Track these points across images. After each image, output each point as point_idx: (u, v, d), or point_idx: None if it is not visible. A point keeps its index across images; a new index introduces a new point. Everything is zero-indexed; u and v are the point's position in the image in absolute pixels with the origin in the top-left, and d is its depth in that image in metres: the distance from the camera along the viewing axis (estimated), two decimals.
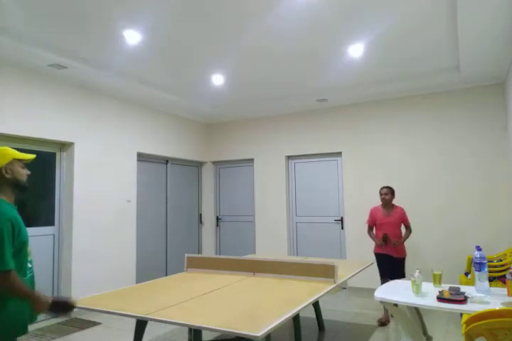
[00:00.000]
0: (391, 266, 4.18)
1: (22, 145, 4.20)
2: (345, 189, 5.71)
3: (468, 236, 4.85)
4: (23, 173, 1.87)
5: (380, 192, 4.28)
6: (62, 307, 1.76)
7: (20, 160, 1.87)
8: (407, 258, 4.37)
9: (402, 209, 4.28)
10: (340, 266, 3.67)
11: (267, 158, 6.41)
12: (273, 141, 6.38)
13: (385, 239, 4.15)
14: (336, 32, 3.47)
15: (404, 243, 4.27)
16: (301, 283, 3.03)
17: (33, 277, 1.87)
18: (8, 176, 1.80)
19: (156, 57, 4.01)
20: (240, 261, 3.48)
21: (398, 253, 4.17)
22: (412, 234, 5.18)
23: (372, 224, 4.35)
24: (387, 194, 4.22)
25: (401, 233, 4.24)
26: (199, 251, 6.81)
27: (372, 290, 2.93)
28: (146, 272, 5.58)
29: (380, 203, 4.34)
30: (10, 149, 1.86)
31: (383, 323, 4.01)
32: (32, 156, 1.94)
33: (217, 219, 6.95)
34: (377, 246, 4.27)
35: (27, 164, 1.93)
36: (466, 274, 4.31)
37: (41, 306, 1.70)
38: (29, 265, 1.82)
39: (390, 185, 5.35)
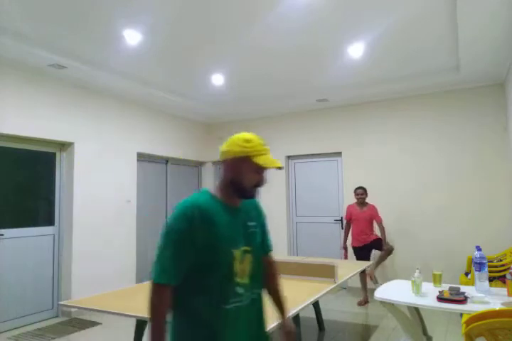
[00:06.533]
0: (368, 249, 4.81)
1: (22, 145, 4.19)
2: (345, 189, 5.71)
3: (468, 236, 4.85)
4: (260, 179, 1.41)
5: (355, 192, 4.89)
6: None
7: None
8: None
9: (373, 207, 4.87)
10: (340, 266, 3.67)
11: None
12: (273, 141, 6.37)
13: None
14: (335, 32, 3.47)
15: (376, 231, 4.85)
16: (301, 283, 3.03)
17: (239, 311, 1.29)
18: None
19: (156, 57, 4.01)
20: None
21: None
22: (412, 234, 5.19)
23: (349, 220, 4.94)
24: (363, 194, 4.85)
25: (373, 227, 4.83)
26: None
27: (373, 290, 2.93)
28: (146, 272, 5.57)
29: (355, 201, 4.94)
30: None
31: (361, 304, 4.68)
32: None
33: None
34: (355, 239, 4.84)
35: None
36: (466, 274, 4.31)
37: None
38: (239, 290, 1.30)
39: (390, 185, 5.38)
